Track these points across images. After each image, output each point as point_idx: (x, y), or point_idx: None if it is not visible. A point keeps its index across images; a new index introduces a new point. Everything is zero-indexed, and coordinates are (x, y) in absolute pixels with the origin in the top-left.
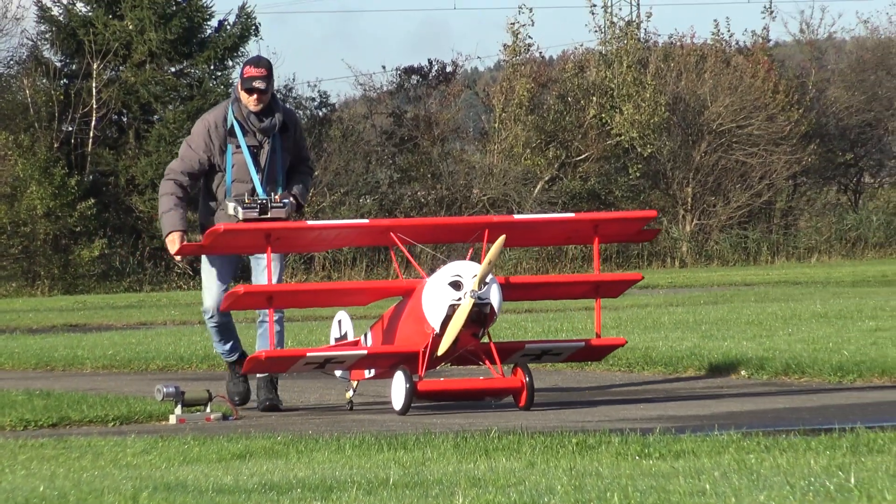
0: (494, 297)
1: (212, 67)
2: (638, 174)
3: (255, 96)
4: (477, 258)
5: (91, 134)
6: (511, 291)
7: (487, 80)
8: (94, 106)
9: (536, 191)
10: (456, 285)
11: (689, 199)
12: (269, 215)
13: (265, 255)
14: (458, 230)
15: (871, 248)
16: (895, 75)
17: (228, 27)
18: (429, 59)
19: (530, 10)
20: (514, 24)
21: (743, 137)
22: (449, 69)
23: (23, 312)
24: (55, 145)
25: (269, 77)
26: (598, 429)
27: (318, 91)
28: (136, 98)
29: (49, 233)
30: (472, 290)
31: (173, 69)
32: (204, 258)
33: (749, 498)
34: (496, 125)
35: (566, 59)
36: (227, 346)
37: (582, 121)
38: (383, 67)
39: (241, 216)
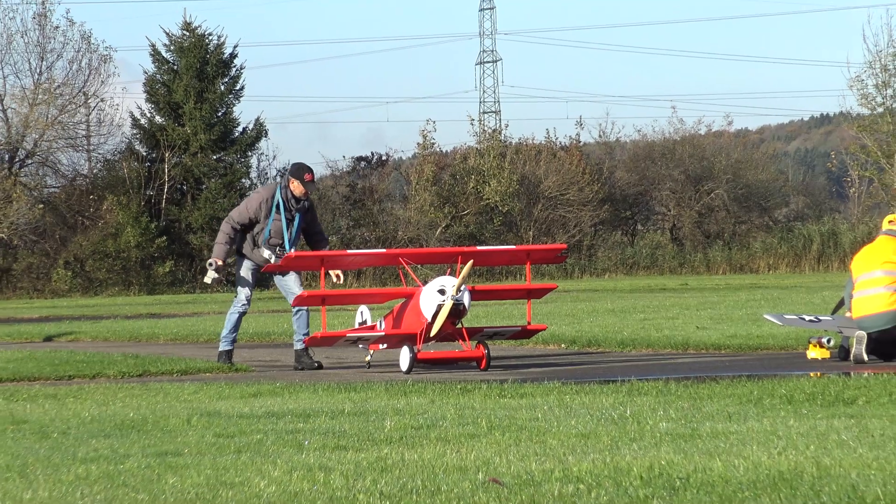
0: (466, 300)
1: (238, 156)
2: (499, 223)
3: (306, 192)
4: (455, 274)
5: (164, 196)
6: (475, 295)
7: (408, 164)
8: (166, 179)
9: (437, 233)
10: (441, 292)
11: (531, 240)
12: None
13: (284, 277)
14: (442, 255)
15: (641, 269)
16: (657, 164)
17: (248, 131)
18: (371, 152)
19: (434, 122)
20: (424, 130)
21: (564, 201)
22: (384, 158)
23: (121, 306)
24: (142, 203)
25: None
26: (474, 379)
27: None
28: (192, 175)
29: (138, 257)
30: (452, 296)
31: (214, 157)
32: (242, 273)
33: (565, 423)
34: (413, 192)
35: (456, 152)
36: (232, 336)
37: (465, 190)
38: (343, 157)
39: (273, 261)
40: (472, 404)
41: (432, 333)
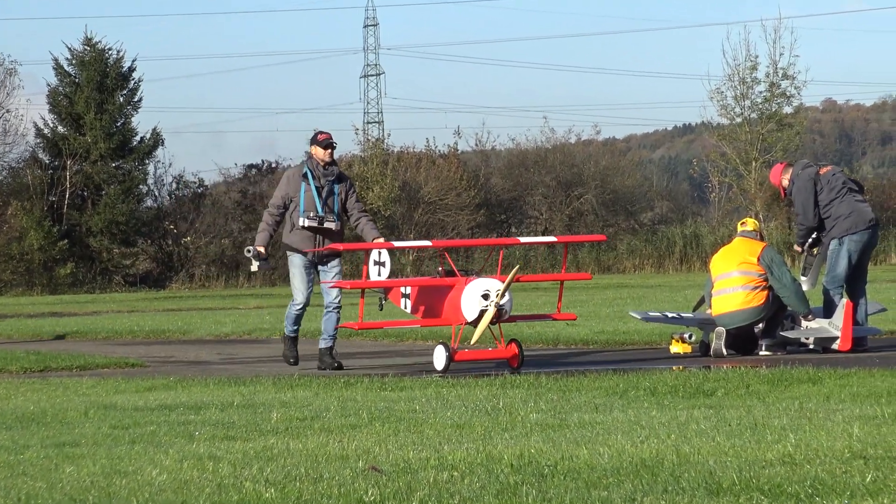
0: (508, 305)
1: (136, 164)
2: (382, 227)
3: (329, 150)
4: (495, 264)
5: (66, 202)
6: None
7: None
8: (68, 186)
9: None
10: (485, 296)
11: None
12: (324, 225)
13: (329, 268)
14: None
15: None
16: (530, 170)
17: (146, 140)
18: (262, 160)
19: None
20: None
21: (443, 206)
22: (274, 165)
23: (24, 306)
24: (45, 208)
25: (333, 138)
26: (356, 373)
27: (198, 178)
28: (92, 181)
29: (41, 259)
30: (496, 301)
31: (114, 164)
32: (294, 273)
33: (441, 414)
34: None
35: (341, 160)
36: (295, 328)
37: None
38: (235, 164)
39: (306, 224)
40: (354, 397)
41: (473, 340)
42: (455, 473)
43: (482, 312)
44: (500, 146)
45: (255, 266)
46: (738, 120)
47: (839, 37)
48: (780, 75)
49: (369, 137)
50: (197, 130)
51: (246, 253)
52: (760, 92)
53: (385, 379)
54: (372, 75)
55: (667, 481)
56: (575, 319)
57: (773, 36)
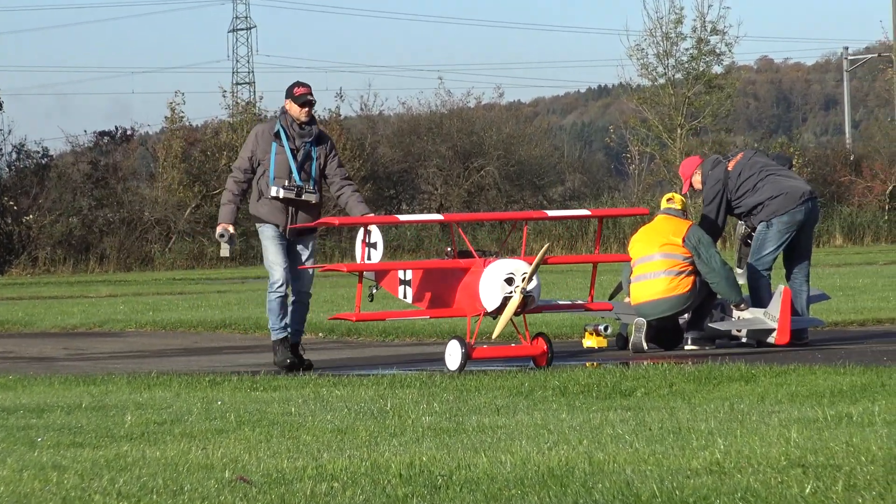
0: (536, 291)
1: None
2: None
3: (307, 109)
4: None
5: None
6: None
7: (155, 139)
8: None
9: (186, 213)
10: (509, 281)
11: None
12: (303, 198)
13: (304, 249)
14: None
15: (407, 252)
16: (423, 139)
17: None
18: (115, 126)
19: (183, 94)
20: (172, 102)
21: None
22: (129, 132)
23: None
24: None
25: (312, 93)
26: (224, 371)
27: (42, 147)
28: None
29: None
30: (523, 288)
31: None
32: (266, 246)
33: (320, 417)
34: (160, 170)
35: (207, 126)
36: (282, 323)
37: (216, 167)
38: (85, 131)
39: (281, 195)
40: (220, 398)
41: (495, 335)
42: (335, 485)
43: (506, 300)
44: (389, 111)
45: (225, 250)
46: (661, 81)
47: None
48: (709, 30)
49: (238, 100)
50: (41, 93)
51: (219, 238)
52: (686, 49)
53: (256, 377)
54: (241, 29)
55: (578, 493)
56: (612, 310)
57: None
